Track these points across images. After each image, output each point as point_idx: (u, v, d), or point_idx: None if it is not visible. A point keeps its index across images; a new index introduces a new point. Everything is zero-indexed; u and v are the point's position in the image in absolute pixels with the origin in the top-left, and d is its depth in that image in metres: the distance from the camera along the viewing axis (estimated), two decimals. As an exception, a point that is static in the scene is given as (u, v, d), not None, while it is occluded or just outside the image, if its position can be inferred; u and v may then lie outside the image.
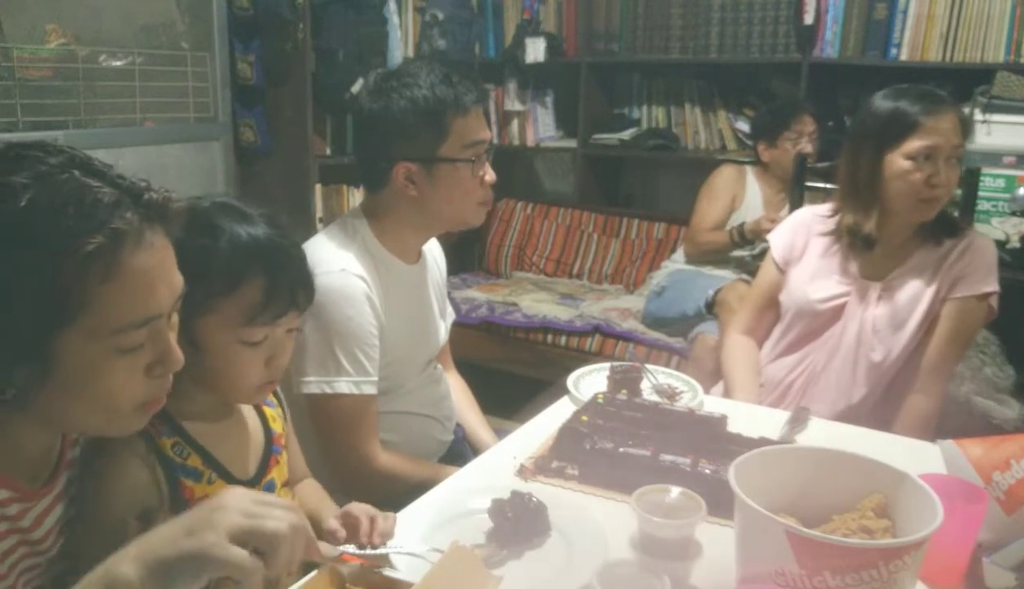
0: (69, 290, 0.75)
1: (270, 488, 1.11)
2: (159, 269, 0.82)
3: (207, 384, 1.03)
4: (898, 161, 1.66)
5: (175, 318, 0.88)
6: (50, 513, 0.91)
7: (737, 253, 3.06)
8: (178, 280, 0.85)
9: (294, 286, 1.03)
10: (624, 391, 1.53)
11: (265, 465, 1.11)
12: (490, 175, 1.52)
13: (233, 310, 0.98)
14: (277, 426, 1.16)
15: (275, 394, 1.18)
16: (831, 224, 1.81)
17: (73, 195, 0.76)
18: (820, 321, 1.81)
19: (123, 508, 0.96)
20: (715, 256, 3.08)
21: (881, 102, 1.71)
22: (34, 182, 0.75)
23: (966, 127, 1.71)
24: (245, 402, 1.10)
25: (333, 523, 1.04)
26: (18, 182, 0.74)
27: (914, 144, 1.64)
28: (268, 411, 1.16)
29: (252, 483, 1.07)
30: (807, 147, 2.87)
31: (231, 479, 1.05)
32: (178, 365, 0.86)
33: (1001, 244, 2.61)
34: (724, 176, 3.11)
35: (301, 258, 1.07)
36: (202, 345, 0.99)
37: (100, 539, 0.91)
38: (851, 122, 1.85)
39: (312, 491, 1.27)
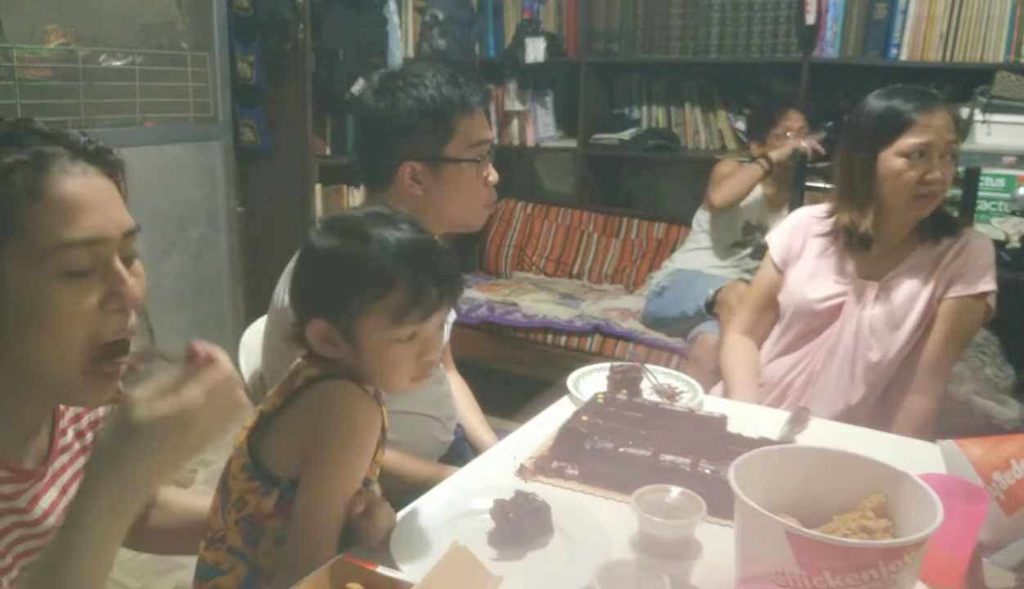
0: None
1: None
2: (93, 195, 0.84)
3: (363, 376, 1.08)
4: (892, 159, 1.67)
5: (138, 266, 0.89)
6: (43, 495, 0.92)
7: (738, 251, 3.05)
8: (125, 217, 0.87)
9: (440, 283, 1.07)
10: (624, 391, 1.53)
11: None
12: (493, 175, 1.53)
13: (384, 311, 1.03)
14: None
15: None
16: (828, 225, 1.81)
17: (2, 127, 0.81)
18: (818, 321, 1.81)
19: (373, 442, 1.07)
20: (746, 190, 2.93)
21: (874, 102, 1.71)
22: None
23: (959, 124, 1.71)
24: (397, 390, 1.15)
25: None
26: None
27: (908, 141, 1.65)
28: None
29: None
30: (801, 143, 2.84)
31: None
32: (135, 303, 0.87)
33: (1001, 244, 2.61)
34: (729, 164, 3.09)
35: (444, 255, 1.12)
36: (360, 344, 1.04)
37: (358, 471, 1.05)
38: (845, 123, 1.85)
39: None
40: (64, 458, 0.97)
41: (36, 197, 0.80)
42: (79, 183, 0.83)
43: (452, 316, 1.77)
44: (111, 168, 0.87)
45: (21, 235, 0.79)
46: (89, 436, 1.03)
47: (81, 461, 1.01)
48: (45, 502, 0.92)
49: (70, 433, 1.00)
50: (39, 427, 0.93)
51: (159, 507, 1.18)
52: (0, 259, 0.79)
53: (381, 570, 0.98)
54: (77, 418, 1.02)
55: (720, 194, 2.97)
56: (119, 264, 0.85)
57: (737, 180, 2.93)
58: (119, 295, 0.85)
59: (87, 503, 0.78)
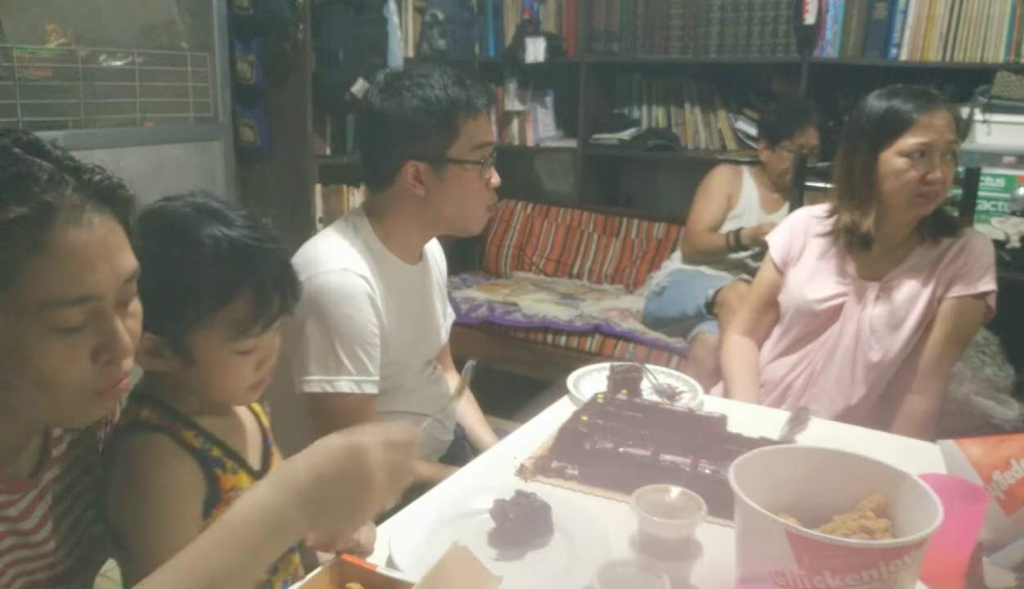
0: None
1: None
2: (97, 249, 0.79)
3: (199, 389, 1.01)
4: (893, 159, 1.67)
5: (135, 306, 0.86)
6: (37, 505, 0.91)
7: (734, 257, 3.06)
8: (127, 263, 0.83)
9: (282, 291, 1.01)
10: (624, 391, 1.53)
11: (267, 458, 1.12)
12: (495, 178, 1.53)
13: (224, 324, 0.96)
14: (265, 420, 1.16)
15: None
16: (828, 225, 1.81)
17: (2, 168, 0.76)
18: (819, 321, 1.81)
19: (191, 502, 0.95)
20: (712, 257, 3.07)
21: (875, 102, 1.71)
22: None
23: (960, 124, 1.71)
24: (237, 404, 1.10)
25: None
26: None
27: (909, 141, 1.65)
28: (256, 406, 1.16)
29: (260, 475, 1.07)
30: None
31: (250, 470, 1.05)
32: (127, 352, 0.84)
33: (1001, 244, 2.61)
34: (719, 176, 3.11)
35: (283, 259, 1.04)
36: (196, 358, 0.97)
37: (173, 539, 0.90)
38: (845, 123, 1.85)
39: None
40: (58, 469, 0.96)
41: (36, 251, 0.75)
42: (83, 236, 0.77)
43: (451, 316, 1.77)
44: (121, 206, 0.83)
45: (15, 287, 0.75)
46: (82, 444, 1.01)
47: (78, 470, 0.99)
48: (39, 513, 0.91)
49: (64, 442, 0.98)
50: (31, 438, 0.91)
51: None
52: None
53: (381, 570, 0.98)
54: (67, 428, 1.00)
55: (689, 252, 3.14)
56: (114, 318, 0.82)
57: (708, 244, 3.05)
58: (111, 347, 0.82)
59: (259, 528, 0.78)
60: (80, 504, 1.00)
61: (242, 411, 1.12)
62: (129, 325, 0.84)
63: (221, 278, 0.95)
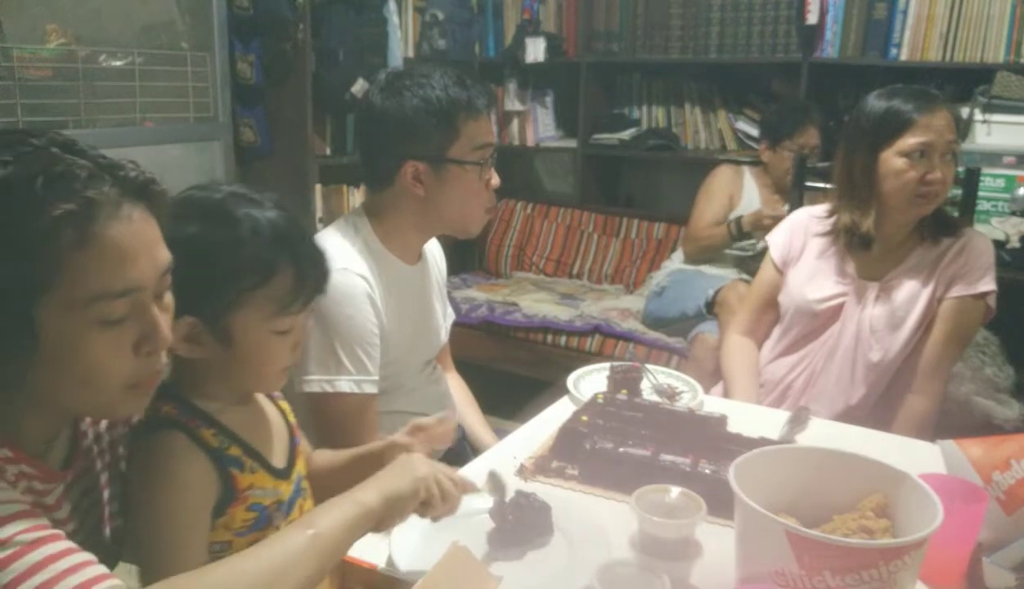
0: (39, 257, 0.76)
1: (299, 481, 1.11)
2: (137, 241, 0.82)
3: (232, 375, 1.01)
4: (893, 159, 1.67)
5: (168, 298, 0.88)
6: (67, 496, 0.93)
7: (736, 251, 3.06)
8: (164, 256, 0.86)
9: (318, 270, 1.03)
10: (624, 391, 1.53)
11: (293, 456, 1.11)
12: (495, 179, 1.54)
13: (266, 302, 0.97)
14: (292, 417, 1.16)
15: None
16: (828, 225, 1.81)
17: (44, 168, 0.78)
18: (819, 321, 1.81)
19: (200, 503, 0.96)
20: (714, 253, 3.07)
21: (875, 102, 1.71)
22: (14, 159, 0.78)
23: (959, 124, 1.71)
24: (270, 389, 1.10)
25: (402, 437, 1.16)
26: None
27: (909, 141, 1.65)
28: (283, 404, 1.16)
29: (285, 474, 1.07)
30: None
31: (270, 468, 1.04)
32: (166, 343, 0.86)
33: (1001, 244, 2.61)
34: (721, 176, 3.11)
35: (314, 240, 1.07)
36: (235, 340, 0.98)
37: (182, 537, 0.93)
38: (845, 123, 1.85)
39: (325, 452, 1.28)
40: (86, 462, 0.97)
41: (81, 246, 0.78)
42: (124, 230, 0.80)
43: (451, 317, 1.77)
44: (154, 200, 0.85)
45: (62, 283, 0.78)
46: (107, 438, 1.03)
47: (99, 464, 1.01)
48: (68, 504, 0.92)
49: (90, 435, 1.00)
50: (62, 430, 0.94)
51: None
52: (43, 303, 0.78)
53: (381, 570, 0.98)
54: (96, 421, 1.02)
55: (690, 250, 3.12)
56: (154, 309, 0.85)
57: (710, 236, 3.04)
58: (152, 339, 0.85)
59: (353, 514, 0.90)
60: (102, 499, 1.01)
61: (268, 407, 1.12)
62: (164, 318, 0.87)
63: (262, 255, 0.96)
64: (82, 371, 0.82)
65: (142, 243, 0.83)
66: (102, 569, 0.78)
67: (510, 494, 1.13)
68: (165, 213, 0.87)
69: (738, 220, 2.96)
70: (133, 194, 0.82)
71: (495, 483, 1.13)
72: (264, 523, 1.02)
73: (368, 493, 0.92)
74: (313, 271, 1.01)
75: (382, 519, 0.93)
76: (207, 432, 0.98)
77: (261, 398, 1.11)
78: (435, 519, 1.01)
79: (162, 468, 0.94)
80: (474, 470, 1.35)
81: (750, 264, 3.01)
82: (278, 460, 1.07)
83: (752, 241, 3.02)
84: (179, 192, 1.01)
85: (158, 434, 0.96)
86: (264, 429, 1.08)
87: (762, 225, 2.82)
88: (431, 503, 0.97)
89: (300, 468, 1.12)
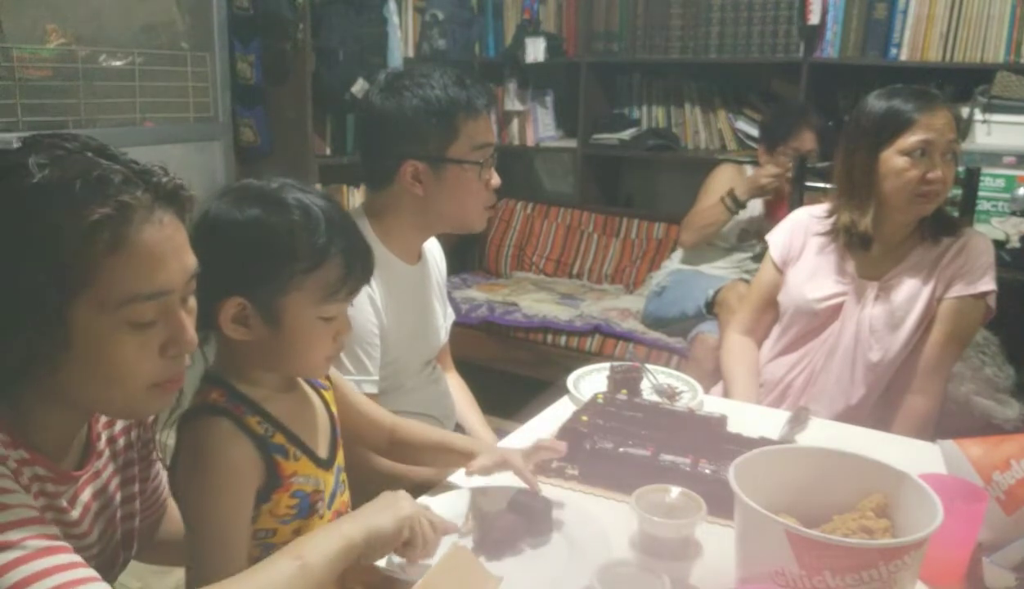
0: (76, 259, 0.78)
1: (338, 473, 1.12)
2: (168, 246, 0.84)
3: (277, 359, 1.02)
4: (894, 158, 1.67)
5: (192, 302, 0.90)
6: (79, 497, 0.94)
7: (736, 246, 3.05)
8: (191, 260, 0.88)
9: (365, 259, 1.04)
10: (624, 391, 1.53)
11: (335, 448, 1.12)
12: (495, 179, 1.54)
13: (316, 287, 0.99)
14: (335, 408, 1.16)
15: (327, 377, 1.18)
16: (828, 224, 1.81)
17: (82, 171, 0.80)
18: (818, 321, 1.81)
19: (245, 486, 0.97)
20: (713, 233, 2.98)
21: (875, 101, 1.71)
22: (50, 162, 0.80)
23: (960, 124, 1.71)
24: (312, 375, 1.11)
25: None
26: (35, 162, 0.79)
27: (909, 140, 1.65)
28: (327, 394, 1.16)
29: (327, 464, 1.08)
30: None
31: (313, 457, 1.05)
32: (191, 346, 0.89)
33: (1001, 244, 2.61)
34: (723, 175, 3.10)
35: (362, 233, 1.08)
36: (283, 323, 0.99)
37: (228, 518, 0.95)
38: (845, 122, 1.85)
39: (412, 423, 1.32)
40: (99, 463, 0.99)
41: (116, 250, 0.80)
42: (156, 234, 0.83)
43: (451, 316, 1.77)
44: (183, 206, 0.88)
45: (95, 285, 0.79)
46: (120, 441, 1.04)
47: (111, 467, 1.02)
48: (80, 505, 0.94)
49: (103, 438, 1.01)
50: (77, 432, 0.94)
51: (168, 518, 1.18)
52: (75, 304, 0.79)
53: (381, 570, 0.98)
54: (109, 424, 1.03)
55: (688, 237, 3.05)
56: (181, 312, 0.87)
57: (704, 221, 2.97)
58: (178, 341, 0.86)
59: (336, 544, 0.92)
60: (114, 501, 1.02)
61: (312, 397, 1.12)
62: (189, 321, 0.89)
63: (316, 241, 0.98)
64: (110, 370, 0.83)
65: (172, 248, 0.85)
66: (104, 587, 0.79)
67: (510, 495, 1.13)
68: (190, 218, 0.90)
69: (731, 191, 2.89)
70: (164, 199, 0.85)
71: (478, 514, 1.13)
72: (306, 511, 1.03)
73: (354, 527, 0.94)
74: (360, 261, 1.02)
75: (364, 554, 0.95)
76: (252, 419, 1.00)
77: (306, 388, 1.12)
78: (411, 561, 1.01)
79: (208, 451, 0.96)
80: (459, 499, 1.32)
81: (749, 265, 3.01)
82: (321, 450, 1.08)
83: (752, 242, 3.01)
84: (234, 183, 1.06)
85: (205, 420, 0.98)
86: (308, 418, 1.09)
87: (759, 184, 2.79)
88: (413, 543, 0.98)
89: (339, 459, 1.13)
